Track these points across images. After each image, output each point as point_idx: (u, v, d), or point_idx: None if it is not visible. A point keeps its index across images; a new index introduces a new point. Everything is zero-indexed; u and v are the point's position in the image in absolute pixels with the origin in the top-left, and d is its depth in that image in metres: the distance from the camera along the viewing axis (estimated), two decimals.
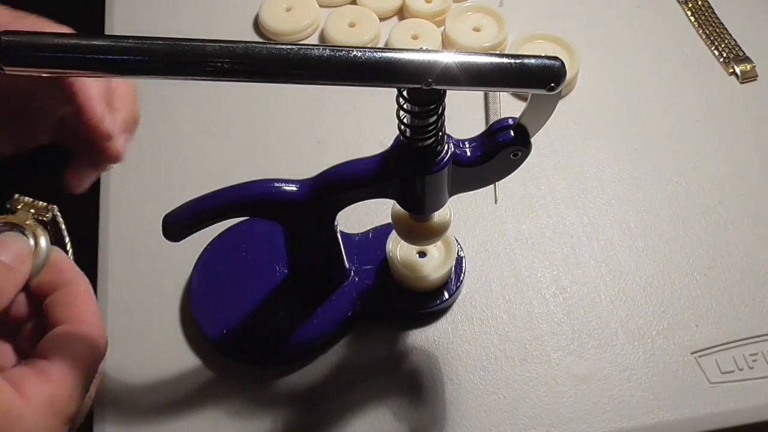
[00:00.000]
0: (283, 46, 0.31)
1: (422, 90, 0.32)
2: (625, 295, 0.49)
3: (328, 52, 0.31)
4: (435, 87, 0.31)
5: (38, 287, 0.36)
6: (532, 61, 0.32)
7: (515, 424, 0.44)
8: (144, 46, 0.30)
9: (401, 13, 0.64)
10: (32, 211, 0.38)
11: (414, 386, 0.45)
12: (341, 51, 0.31)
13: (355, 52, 0.31)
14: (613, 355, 0.46)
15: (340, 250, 0.46)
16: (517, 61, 0.31)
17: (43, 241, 0.37)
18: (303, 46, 0.31)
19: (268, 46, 0.31)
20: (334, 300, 0.46)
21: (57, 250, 0.38)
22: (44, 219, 0.38)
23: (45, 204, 0.38)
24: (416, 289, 0.47)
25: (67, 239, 0.40)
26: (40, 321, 0.36)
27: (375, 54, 0.31)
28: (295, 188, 0.39)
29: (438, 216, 0.42)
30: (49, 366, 0.33)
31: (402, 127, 0.35)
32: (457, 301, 0.48)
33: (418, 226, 0.42)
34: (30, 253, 0.36)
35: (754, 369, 0.45)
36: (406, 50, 0.31)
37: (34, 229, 0.37)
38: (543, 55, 0.32)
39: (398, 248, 0.46)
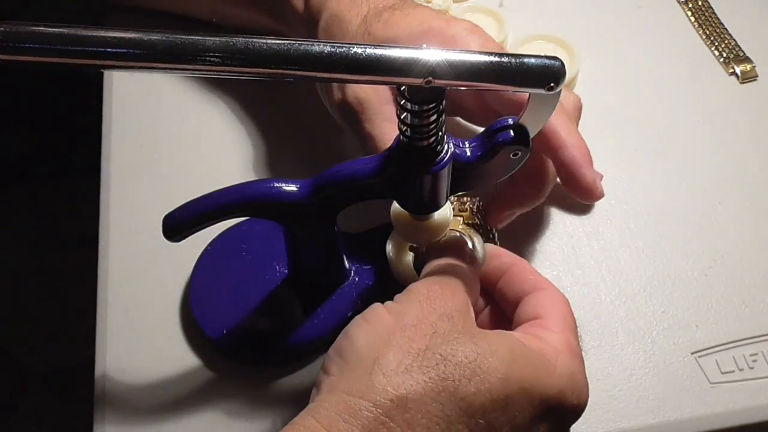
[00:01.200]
0: (284, 41, 0.31)
1: (422, 88, 0.32)
2: (625, 295, 0.49)
3: (328, 47, 0.31)
4: (435, 85, 0.31)
5: (486, 277, 0.41)
6: (532, 60, 0.32)
7: None
8: (144, 39, 0.30)
9: None
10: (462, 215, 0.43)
11: None
12: (342, 47, 0.31)
13: (355, 49, 0.31)
14: (613, 355, 0.46)
15: (340, 250, 0.46)
16: (518, 60, 0.32)
17: (477, 241, 0.42)
18: (303, 42, 0.31)
19: (268, 41, 0.31)
20: (334, 300, 0.46)
21: (489, 245, 0.42)
22: (474, 222, 0.43)
23: (470, 205, 0.43)
24: None
25: (494, 233, 0.46)
26: (494, 307, 0.42)
27: (376, 50, 0.31)
28: (295, 188, 0.39)
29: (438, 214, 0.42)
30: (545, 321, 0.37)
31: (402, 126, 0.35)
32: None
33: (419, 224, 0.42)
34: (473, 250, 0.41)
35: (754, 369, 0.45)
36: (407, 47, 0.31)
37: (467, 231, 0.42)
38: (543, 54, 0.32)
39: (398, 248, 0.46)
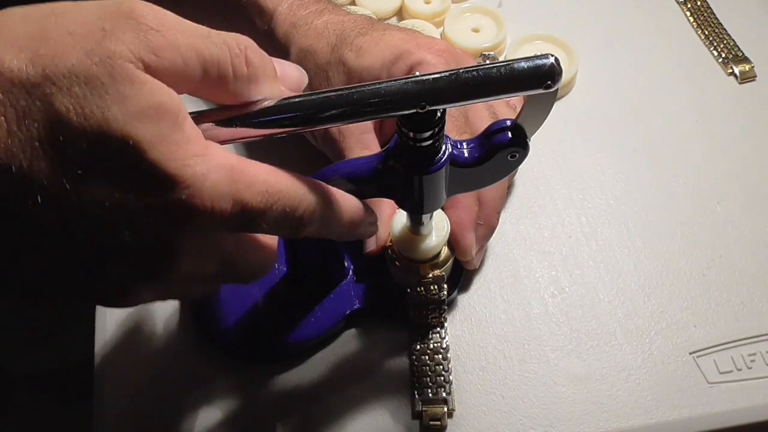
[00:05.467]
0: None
1: (419, 113, 0.32)
2: (623, 295, 0.49)
3: (321, 97, 0.32)
4: (430, 109, 0.32)
5: None
6: (522, 64, 0.31)
7: (513, 425, 0.44)
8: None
9: (400, 14, 0.64)
10: None
11: (412, 385, 0.45)
12: (332, 93, 0.32)
13: (342, 92, 0.32)
14: (612, 355, 0.46)
15: (339, 248, 0.46)
16: (507, 67, 0.31)
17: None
18: (297, 96, 0.32)
19: None
20: (333, 298, 0.47)
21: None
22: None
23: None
24: None
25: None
26: None
27: (364, 89, 0.31)
28: None
29: (436, 232, 0.44)
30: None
31: (400, 131, 0.35)
32: (455, 301, 0.48)
33: (417, 240, 0.43)
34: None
35: (752, 369, 0.46)
36: (396, 80, 0.32)
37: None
38: (533, 54, 0.32)
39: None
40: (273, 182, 0.32)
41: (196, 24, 0.30)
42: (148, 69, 0.28)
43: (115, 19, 0.28)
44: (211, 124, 0.31)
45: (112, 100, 0.27)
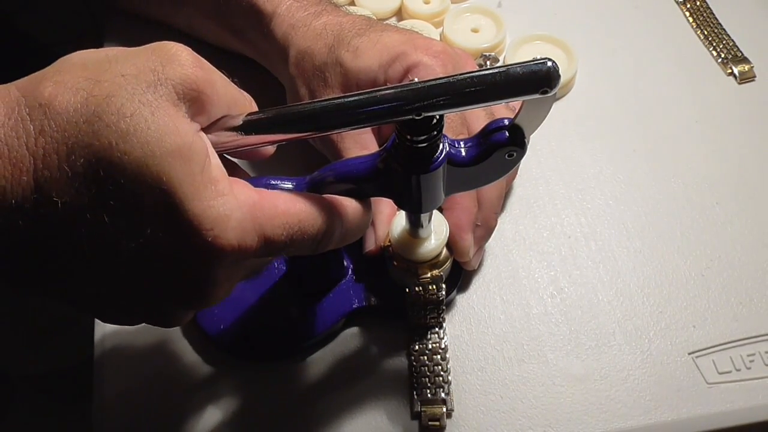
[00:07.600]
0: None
1: (415, 119, 0.32)
2: (622, 295, 0.49)
3: (318, 105, 0.32)
4: (426, 115, 0.32)
5: None
6: (518, 69, 0.31)
7: (512, 425, 0.44)
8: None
9: (399, 14, 0.64)
10: None
11: (411, 386, 0.45)
12: (331, 102, 0.32)
13: (341, 100, 0.32)
14: (611, 355, 0.46)
15: (338, 247, 0.46)
16: (503, 72, 0.31)
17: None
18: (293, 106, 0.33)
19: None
20: (332, 297, 0.47)
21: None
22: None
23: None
24: None
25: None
26: None
27: (361, 97, 0.32)
28: (291, 185, 0.39)
29: (435, 235, 0.44)
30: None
31: (398, 132, 0.35)
32: (454, 301, 0.48)
33: (416, 243, 0.43)
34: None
35: (751, 369, 0.45)
36: (391, 87, 0.32)
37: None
38: (532, 59, 0.31)
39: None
40: (293, 212, 0.34)
41: None
42: (189, 103, 0.31)
43: (162, 58, 0.31)
44: (236, 133, 0.33)
45: (151, 136, 0.29)
